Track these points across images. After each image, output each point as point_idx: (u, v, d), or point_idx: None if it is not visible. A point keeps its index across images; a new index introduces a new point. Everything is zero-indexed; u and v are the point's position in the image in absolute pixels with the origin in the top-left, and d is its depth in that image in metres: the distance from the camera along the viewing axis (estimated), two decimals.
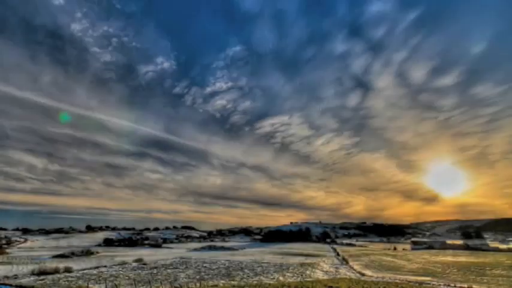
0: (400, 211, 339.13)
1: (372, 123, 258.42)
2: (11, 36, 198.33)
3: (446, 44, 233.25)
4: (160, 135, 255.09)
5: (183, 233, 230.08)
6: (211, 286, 29.46)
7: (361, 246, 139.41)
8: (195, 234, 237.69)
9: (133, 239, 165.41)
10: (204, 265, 58.75)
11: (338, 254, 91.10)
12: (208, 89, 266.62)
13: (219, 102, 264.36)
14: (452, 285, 37.34)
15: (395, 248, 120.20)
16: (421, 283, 38.26)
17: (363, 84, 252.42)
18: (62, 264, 52.87)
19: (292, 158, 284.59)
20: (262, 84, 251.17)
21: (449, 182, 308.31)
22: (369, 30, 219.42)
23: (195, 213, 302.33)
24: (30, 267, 51.83)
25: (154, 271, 49.72)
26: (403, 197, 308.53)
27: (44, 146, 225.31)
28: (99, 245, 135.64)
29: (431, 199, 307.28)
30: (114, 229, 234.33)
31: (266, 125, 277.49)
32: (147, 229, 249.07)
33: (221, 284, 34.07)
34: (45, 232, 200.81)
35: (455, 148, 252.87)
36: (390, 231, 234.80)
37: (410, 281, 40.21)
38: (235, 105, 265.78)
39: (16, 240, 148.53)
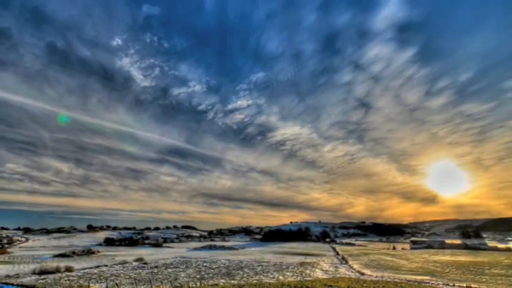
0: (400, 211, 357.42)
1: (373, 134, 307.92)
2: (70, 67, 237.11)
3: (438, 73, 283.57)
4: (181, 145, 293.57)
5: (183, 233, 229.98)
6: (212, 285, 29.43)
7: (361, 245, 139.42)
8: (195, 233, 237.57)
9: (134, 238, 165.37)
10: (205, 264, 58.73)
11: (337, 254, 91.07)
12: (230, 106, 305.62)
13: (238, 116, 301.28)
14: (451, 284, 37.32)
15: (394, 248, 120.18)
16: (420, 282, 38.24)
17: (365, 104, 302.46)
18: (63, 264, 52.85)
19: (299, 163, 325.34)
20: (279, 103, 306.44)
21: (447, 184, 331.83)
22: (370, 66, 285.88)
23: (202, 213, 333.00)
24: (32, 267, 51.81)
25: (155, 270, 49.70)
26: (403, 198, 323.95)
27: (76, 154, 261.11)
28: (100, 245, 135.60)
29: (430, 200, 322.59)
30: (115, 229, 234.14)
31: (278, 135, 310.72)
32: (148, 229, 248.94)
33: (221, 283, 34.04)
34: (47, 231, 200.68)
35: (451, 154, 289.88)
36: (389, 231, 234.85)
37: (409, 280, 40.20)
38: (252, 119, 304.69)
39: (17, 240, 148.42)
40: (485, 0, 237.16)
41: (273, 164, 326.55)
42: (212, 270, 50.13)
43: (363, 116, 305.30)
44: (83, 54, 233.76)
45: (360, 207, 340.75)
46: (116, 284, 30.69)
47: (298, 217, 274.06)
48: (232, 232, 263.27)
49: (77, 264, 58.26)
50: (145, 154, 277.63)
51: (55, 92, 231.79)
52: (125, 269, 51.27)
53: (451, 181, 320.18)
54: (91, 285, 32.20)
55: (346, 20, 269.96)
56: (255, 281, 36.87)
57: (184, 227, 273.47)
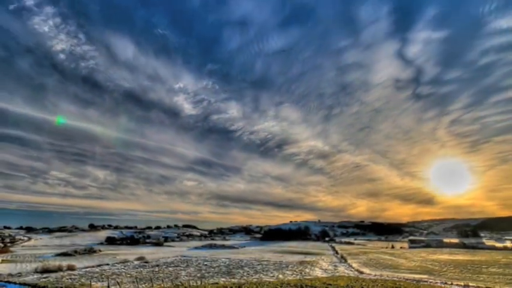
0: (399, 212, 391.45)
1: (377, 147, 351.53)
2: (137, 104, 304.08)
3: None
4: (208, 157, 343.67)
5: (184, 232, 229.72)
6: (212, 284, 29.42)
7: (360, 244, 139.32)
8: (196, 232, 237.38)
9: (135, 237, 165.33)
10: (205, 263, 58.70)
11: (337, 253, 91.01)
12: (257, 127, 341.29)
13: (262, 133, 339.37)
14: (450, 283, 37.30)
15: (393, 247, 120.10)
16: (418, 281, 38.23)
17: (368, 126, 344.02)
18: (65, 263, 52.82)
19: (308, 170, 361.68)
20: (300, 125, 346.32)
21: (444, 187, 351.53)
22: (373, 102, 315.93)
23: (213, 214, 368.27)
24: (34, 265, 51.78)
25: (156, 269, 49.66)
26: (402, 200, 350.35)
27: (119, 164, 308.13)
28: (102, 244, 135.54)
29: (427, 202, 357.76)
30: (116, 228, 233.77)
31: (294, 147, 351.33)
32: (149, 228, 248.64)
33: (222, 282, 34.02)
34: (49, 231, 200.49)
35: (447, 162, 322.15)
36: (388, 230, 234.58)
37: (408, 279, 40.19)
38: (274, 135, 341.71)
39: (20, 239, 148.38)
40: None
41: (285, 171, 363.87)
42: (212, 269, 50.10)
43: (366, 135, 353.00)
44: (149, 96, 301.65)
45: (361, 208, 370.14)
46: (118, 283, 30.68)
47: (303, 217, 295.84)
48: (233, 231, 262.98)
49: (79, 263, 58.23)
50: (176, 164, 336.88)
51: (122, 121, 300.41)
52: (126, 268, 51.25)
53: (447, 184, 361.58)
54: (93, 283, 32.20)
55: (355, 77, 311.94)
56: (255, 280, 36.86)
57: (185, 226, 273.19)
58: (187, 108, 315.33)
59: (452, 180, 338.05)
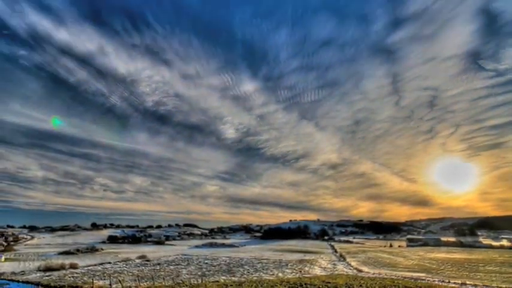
0: (398, 212, 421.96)
1: (379, 160, 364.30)
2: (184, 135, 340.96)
3: None
4: (234, 169, 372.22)
5: (185, 231, 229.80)
6: (213, 282, 29.41)
7: (358, 243, 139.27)
8: (196, 231, 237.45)
9: (137, 236, 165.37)
10: (206, 262, 58.69)
11: (336, 251, 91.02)
12: (282, 145, 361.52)
13: (285, 149, 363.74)
14: (447, 281, 37.28)
15: (391, 245, 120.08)
16: (416, 279, 38.22)
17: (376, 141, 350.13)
18: (67, 261, 52.84)
19: (319, 177, 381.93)
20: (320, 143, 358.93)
21: (440, 190, 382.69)
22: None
23: (225, 214, 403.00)
24: (37, 264, 51.81)
25: (157, 267, 49.67)
26: (401, 202, 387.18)
27: (160, 173, 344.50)
28: (104, 242, 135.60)
29: (425, 203, 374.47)
30: (118, 227, 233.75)
31: (310, 160, 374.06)
32: (151, 227, 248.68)
33: (222, 280, 34.02)
34: (51, 229, 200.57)
35: (443, 168, 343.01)
36: (386, 229, 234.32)
37: (406, 277, 40.17)
38: (295, 151, 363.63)
39: (23, 238, 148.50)
40: None
41: (298, 178, 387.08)
42: (213, 267, 50.11)
43: (372, 150, 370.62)
44: (206, 127, 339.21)
45: (363, 209, 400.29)
46: (119, 281, 30.68)
47: (309, 217, 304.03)
48: (233, 230, 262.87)
49: (81, 261, 58.26)
50: (206, 173, 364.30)
51: (176, 144, 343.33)
52: (128, 266, 51.26)
53: (443, 187, 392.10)
54: (95, 282, 32.18)
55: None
56: (255, 278, 36.85)
57: (185, 225, 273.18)
58: (230, 133, 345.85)
59: (449, 182, 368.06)
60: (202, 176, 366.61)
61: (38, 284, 32.07)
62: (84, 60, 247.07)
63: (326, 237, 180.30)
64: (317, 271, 48.43)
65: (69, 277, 38.60)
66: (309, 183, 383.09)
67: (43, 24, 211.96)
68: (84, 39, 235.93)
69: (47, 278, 37.88)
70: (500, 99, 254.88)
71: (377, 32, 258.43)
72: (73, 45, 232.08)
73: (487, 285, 34.02)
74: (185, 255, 73.58)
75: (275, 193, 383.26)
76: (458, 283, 35.49)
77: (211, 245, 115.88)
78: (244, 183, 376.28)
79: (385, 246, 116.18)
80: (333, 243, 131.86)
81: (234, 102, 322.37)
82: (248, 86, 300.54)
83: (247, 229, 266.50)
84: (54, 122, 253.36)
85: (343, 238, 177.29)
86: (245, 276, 40.72)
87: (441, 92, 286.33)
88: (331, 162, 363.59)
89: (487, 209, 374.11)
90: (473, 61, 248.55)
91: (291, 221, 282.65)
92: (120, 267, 50.59)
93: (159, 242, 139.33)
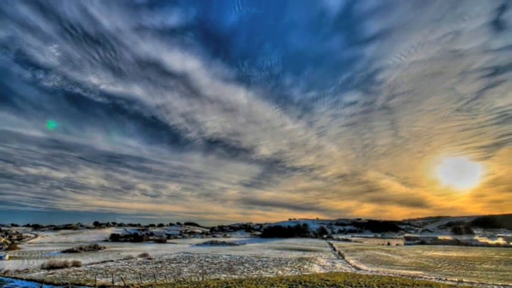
0: (397, 212, 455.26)
1: (384, 170, 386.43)
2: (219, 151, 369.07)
3: None
4: (256, 179, 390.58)
5: (186, 229, 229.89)
6: (213, 280, 29.40)
7: (357, 241, 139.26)
8: (198, 230, 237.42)
9: (139, 234, 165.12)
10: (207, 260, 58.67)
11: (334, 249, 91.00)
12: (301, 160, 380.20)
13: (304, 163, 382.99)
14: (444, 278, 37.27)
15: (389, 243, 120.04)
16: (413, 277, 38.20)
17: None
18: (70, 259, 52.82)
19: (328, 183, 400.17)
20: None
21: (437, 193, 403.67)
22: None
23: (237, 214, 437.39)
24: (40, 262, 51.76)
25: (159, 265, 49.65)
26: (401, 203, 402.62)
27: (195, 181, 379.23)
28: (106, 241, 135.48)
29: (422, 205, 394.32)
30: (120, 225, 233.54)
31: (324, 171, 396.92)
32: (152, 225, 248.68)
33: (223, 278, 34.00)
34: (55, 228, 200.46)
35: (440, 174, 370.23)
36: (384, 228, 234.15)
37: (403, 275, 40.15)
38: (312, 164, 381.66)
39: (27, 236, 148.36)
40: None
41: (310, 185, 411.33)
42: (214, 265, 50.09)
43: (378, 163, 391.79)
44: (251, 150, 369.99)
45: (366, 209, 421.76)
46: (122, 279, 30.64)
47: (314, 216, 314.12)
48: (233, 228, 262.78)
49: (84, 259, 58.25)
50: (231, 180, 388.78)
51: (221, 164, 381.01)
52: (130, 264, 51.25)
53: (440, 190, 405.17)
54: (98, 279, 32.15)
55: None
56: (255, 276, 36.84)
57: (187, 223, 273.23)
58: (264, 150, 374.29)
59: (445, 187, 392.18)
60: (228, 182, 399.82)
61: (41, 281, 32.01)
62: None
63: (325, 236, 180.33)
64: (316, 269, 48.42)
65: (72, 275, 38.58)
66: (318, 188, 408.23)
67: None
68: None
69: (50, 275, 37.85)
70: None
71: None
72: None
73: (483, 283, 34.00)
74: (186, 253, 73.56)
75: (285, 196, 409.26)
76: (455, 281, 35.47)
77: (212, 243, 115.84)
78: (262, 187, 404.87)
79: (383, 245, 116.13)
80: (331, 242, 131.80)
81: (273, 131, 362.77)
82: (290, 124, 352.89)
83: (247, 228, 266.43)
84: (50, 124, 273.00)
85: (341, 236, 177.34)
86: (245, 274, 40.70)
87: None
88: (341, 173, 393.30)
89: (479, 210, 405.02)
90: None
91: (290, 219, 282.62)
92: (122, 265, 50.58)
93: (160, 241, 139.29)
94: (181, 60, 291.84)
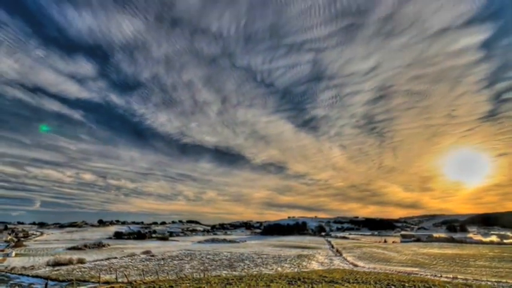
0: (395, 212, 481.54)
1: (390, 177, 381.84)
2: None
3: None
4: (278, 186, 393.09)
5: (188, 227, 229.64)
6: (215, 276, 29.39)
7: (354, 239, 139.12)
8: (199, 228, 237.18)
9: (142, 232, 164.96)
10: (208, 257, 58.64)
11: (332, 247, 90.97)
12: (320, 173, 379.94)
13: (321, 177, 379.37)
14: (439, 275, 37.25)
15: (385, 241, 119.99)
16: (409, 273, 38.18)
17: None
18: (75, 256, 52.80)
19: (338, 190, 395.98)
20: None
21: (433, 195, 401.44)
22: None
23: (253, 214, 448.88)
24: (46, 259, 51.76)
25: (162, 262, 49.63)
26: (400, 204, 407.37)
27: (218, 186, 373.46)
28: (110, 238, 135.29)
29: (419, 206, 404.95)
30: (124, 223, 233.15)
31: (337, 181, 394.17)
32: (155, 223, 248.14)
33: (223, 275, 33.99)
34: (60, 226, 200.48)
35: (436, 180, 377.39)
36: (381, 225, 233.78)
37: (399, 272, 40.14)
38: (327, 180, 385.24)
39: (33, 234, 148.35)
40: None
41: (326, 192, 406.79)
42: (215, 262, 50.07)
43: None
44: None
45: (369, 210, 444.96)
46: (125, 275, 30.63)
47: (312, 215, 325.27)
48: (234, 226, 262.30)
49: (89, 256, 58.22)
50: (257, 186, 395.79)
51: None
52: (133, 261, 51.23)
53: (436, 193, 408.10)
54: (102, 276, 32.12)
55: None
56: (255, 272, 36.83)
57: (188, 221, 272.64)
58: (298, 167, 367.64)
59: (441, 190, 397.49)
60: (258, 189, 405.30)
61: (47, 278, 32.00)
62: None
63: (323, 233, 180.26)
64: (314, 266, 48.40)
65: (77, 271, 38.56)
66: (331, 195, 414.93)
67: None
68: None
69: (55, 272, 37.82)
70: None
71: None
72: None
73: (477, 279, 33.98)
74: (188, 250, 73.52)
75: (298, 199, 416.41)
76: (450, 277, 35.45)
77: (213, 241, 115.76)
78: (285, 194, 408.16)
79: (379, 242, 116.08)
80: (329, 239, 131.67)
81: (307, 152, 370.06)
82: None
83: (247, 225, 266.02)
84: (42, 128, 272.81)
85: (339, 234, 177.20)
86: (246, 270, 40.68)
87: None
88: (352, 184, 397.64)
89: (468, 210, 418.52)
90: None
91: (289, 217, 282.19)
92: (125, 262, 50.54)
93: (163, 238, 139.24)
94: None
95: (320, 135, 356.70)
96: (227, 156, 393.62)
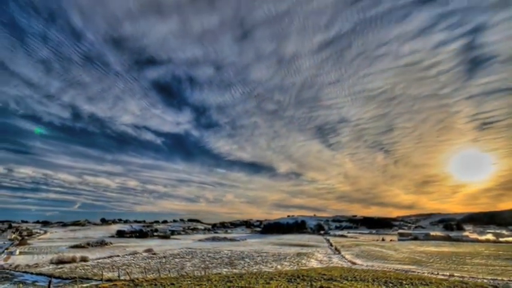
0: (395, 212, 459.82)
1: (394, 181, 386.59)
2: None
3: None
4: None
5: (189, 226, 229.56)
6: (215, 274, 29.39)
7: (352, 237, 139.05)
8: (200, 226, 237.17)
9: (144, 231, 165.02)
10: (209, 255, 58.63)
11: (331, 245, 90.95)
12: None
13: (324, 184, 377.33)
14: (436, 273, 37.26)
15: (383, 239, 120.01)
16: (407, 271, 38.19)
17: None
18: (78, 254, 52.82)
19: (344, 194, 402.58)
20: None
21: (431, 197, 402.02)
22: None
23: (262, 213, 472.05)
24: (50, 257, 51.75)
25: (163, 260, 49.64)
26: (400, 205, 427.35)
27: (235, 188, 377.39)
28: (113, 237, 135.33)
29: (416, 207, 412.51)
30: (126, 222, 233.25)
31: (344, 187, 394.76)
32: (157, 222, 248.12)
33: (224, 272, 34.00)
34: (63, 224, 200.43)
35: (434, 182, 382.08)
36: (379, 224, 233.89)
37: (397, 269, 40.14)
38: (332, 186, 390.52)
39: (36, 232, 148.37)
40: None
41: (333, 195, 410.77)
42: (216, 260, 50.07)
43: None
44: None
45: (370, 210, 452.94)
46: (127, 273, 30.63)
47: (311, 213, 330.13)
48: (234, 225, 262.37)
49: (91, 254, 58.23)
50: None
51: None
52: (135, 259, 51.24)
53: (433, 195, 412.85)
54: (104, 273, 32.14)
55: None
56: (255, 270, 36.84)
57: (190, 220, 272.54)
58: (314, 175, 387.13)
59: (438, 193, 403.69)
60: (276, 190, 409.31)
61: (50, 275, 32.02)
62: None
63: (322, 232, 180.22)
64: (313, 264, 48.42)
65: (80, 269, 38.57)
66: (336, 198, 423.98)
67: None
68: None
69: (59, 270, 37.83)
70: None
71: None
72: None
73: (473, 277, 33.99)
74: (189, 248, 73.53)
75: (307, 201, 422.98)
76: (447, 275, 35.46)
77: (213, 239, 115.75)
78: (296, 197, 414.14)
79: (377, 240, 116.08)
80: (328, 238, 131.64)
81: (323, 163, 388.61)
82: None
83: (247, 224, 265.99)
84: (37, 130, 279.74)
85: (338, 232, 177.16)
86: (246, 268, 40.69)
87: None
88: (359, 189, 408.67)
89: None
90: None
91: (289, 216, 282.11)
92: (128, 260, 50.55)
93: (164, 236, 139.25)
94: None
95: (336, 153, 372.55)
96: (256, 167, 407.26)
